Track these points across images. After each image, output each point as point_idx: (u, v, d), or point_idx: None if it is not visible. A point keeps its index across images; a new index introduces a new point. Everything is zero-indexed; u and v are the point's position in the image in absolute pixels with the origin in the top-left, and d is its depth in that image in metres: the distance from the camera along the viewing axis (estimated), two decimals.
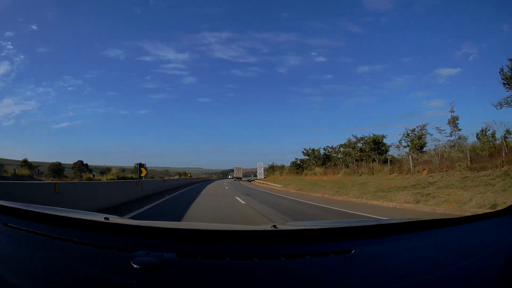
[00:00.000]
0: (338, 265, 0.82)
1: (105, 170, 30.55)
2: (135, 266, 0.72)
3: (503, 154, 10.30)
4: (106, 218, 1.14)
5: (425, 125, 18.66)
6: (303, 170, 31.79)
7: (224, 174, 79.82)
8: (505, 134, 13.95)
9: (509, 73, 13.00)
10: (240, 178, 50.01)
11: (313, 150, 32.36)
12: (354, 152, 22.66)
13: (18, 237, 0.97)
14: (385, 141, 21.13)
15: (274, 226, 1.08)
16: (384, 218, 5.64)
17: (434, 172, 12.21)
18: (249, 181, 44.87)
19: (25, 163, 25.06)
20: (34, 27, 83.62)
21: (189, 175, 44.35)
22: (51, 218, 1.08)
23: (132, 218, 5.00)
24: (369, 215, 6.96)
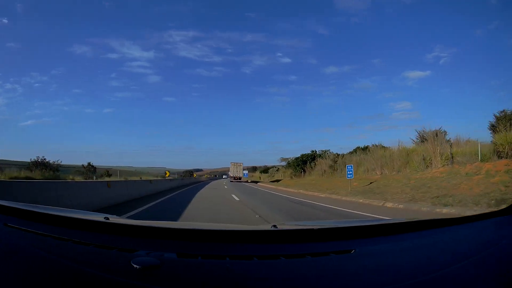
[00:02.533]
0: (338, 265, 0.82)
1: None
2: (135, 266, 0.72)
3: None
4: (106, 218, 1.14)
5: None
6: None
7: (189, 174, 61.43)
8: None
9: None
10: (240, 178, 37.95)
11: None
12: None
13: (18, 237, 0.97)
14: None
15: (274, 226, 1.08)
16: (384, 218, 5.63)
17: None
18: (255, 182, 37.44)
19: None
20: (5, 20, 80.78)
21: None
22: (51, 218, 1.08)
23: (131, 218, 5.00)
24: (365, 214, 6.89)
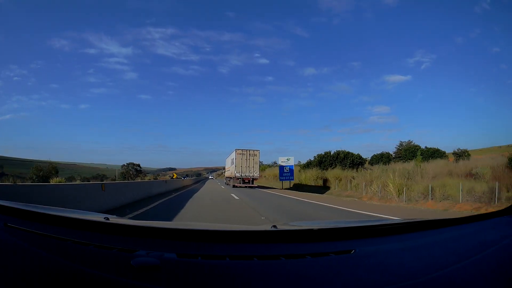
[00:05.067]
0: (338, 265, 0.82)
1: None
2: (135, 266, 0.72)
3: None
4: (106, 218, 1.14)
5: None
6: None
7: (134, 171, 38.90)
8: None
9: None
10: (253, 180, 19.80)
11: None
12: None
13: (19, 237, 0.97)
14: None
15: (274, 226, 1.08)
16: (384, 218, 5.62)
17: None
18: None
19: None
20: None
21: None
22: (51, 218, 1.08)
23: (133, 218, 4.99)
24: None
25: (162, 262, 0.74)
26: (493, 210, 1.28)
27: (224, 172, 32.66)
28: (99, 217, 1.22)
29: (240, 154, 19.89)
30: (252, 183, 19.70)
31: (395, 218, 1.57)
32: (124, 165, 42.03)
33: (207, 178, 67.01)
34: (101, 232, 0.97)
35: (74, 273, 0.74)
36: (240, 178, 19.51)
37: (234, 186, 19.29)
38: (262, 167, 29.01)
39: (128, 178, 33.49)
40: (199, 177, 73.23)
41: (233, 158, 20.95)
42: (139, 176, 37.16)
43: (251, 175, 19.65)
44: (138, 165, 41.71)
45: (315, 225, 1.15)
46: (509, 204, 1.24)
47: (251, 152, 20.05)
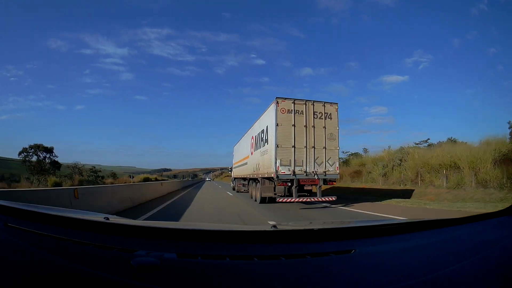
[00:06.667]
0: (338, 265, 0.82)
1: None
2: (135, 266, 0.72)
3: None
4: (106, 218, 1.14)
5: None
6: None
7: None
8: None
9: None
10: (320, 186, 6.87)
11: None
12: None
13: (18, 237, 0.97)
14: None
15: (274, 226, 1.08)
16: (384, 218, 5.60)
17: None
18: None
19: None
20: None
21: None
22: (51, 218, 1.08)
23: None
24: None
25: (162, 262, 0.74)
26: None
27: (231, 170, 17.82)
28: (99, 217, 1.22)
29: (287, 112, 7.66)
30: (319, 194, 7.72)
31: (395, 218, 1.58)
32: (25, 148, 20.74)
33: (203, 180, 58.44)
34: (101, 232, 0.97)
35: (74, 273, 0.74)
36: (289, 180, 7.56)
37: (264, 200, 8.34)
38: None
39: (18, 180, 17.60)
40: (194, 178, 63.26)
41: (263, 129, 8.77)
42: (47, 176, 17.68)
43: (322, 170, 7.70)
44: (51, 150, 20.71)
45: (315, 225, 1.15)
46: (510, 204, 1.24)
47: (318, 106, 7.84)
